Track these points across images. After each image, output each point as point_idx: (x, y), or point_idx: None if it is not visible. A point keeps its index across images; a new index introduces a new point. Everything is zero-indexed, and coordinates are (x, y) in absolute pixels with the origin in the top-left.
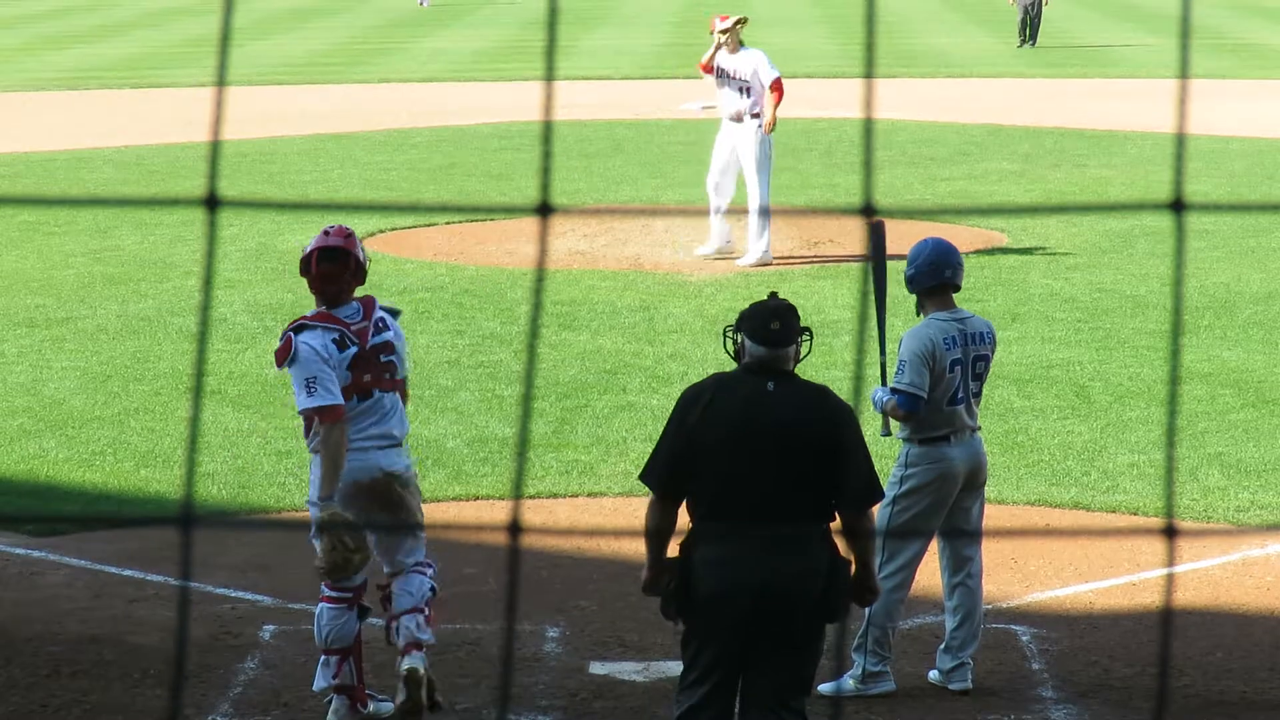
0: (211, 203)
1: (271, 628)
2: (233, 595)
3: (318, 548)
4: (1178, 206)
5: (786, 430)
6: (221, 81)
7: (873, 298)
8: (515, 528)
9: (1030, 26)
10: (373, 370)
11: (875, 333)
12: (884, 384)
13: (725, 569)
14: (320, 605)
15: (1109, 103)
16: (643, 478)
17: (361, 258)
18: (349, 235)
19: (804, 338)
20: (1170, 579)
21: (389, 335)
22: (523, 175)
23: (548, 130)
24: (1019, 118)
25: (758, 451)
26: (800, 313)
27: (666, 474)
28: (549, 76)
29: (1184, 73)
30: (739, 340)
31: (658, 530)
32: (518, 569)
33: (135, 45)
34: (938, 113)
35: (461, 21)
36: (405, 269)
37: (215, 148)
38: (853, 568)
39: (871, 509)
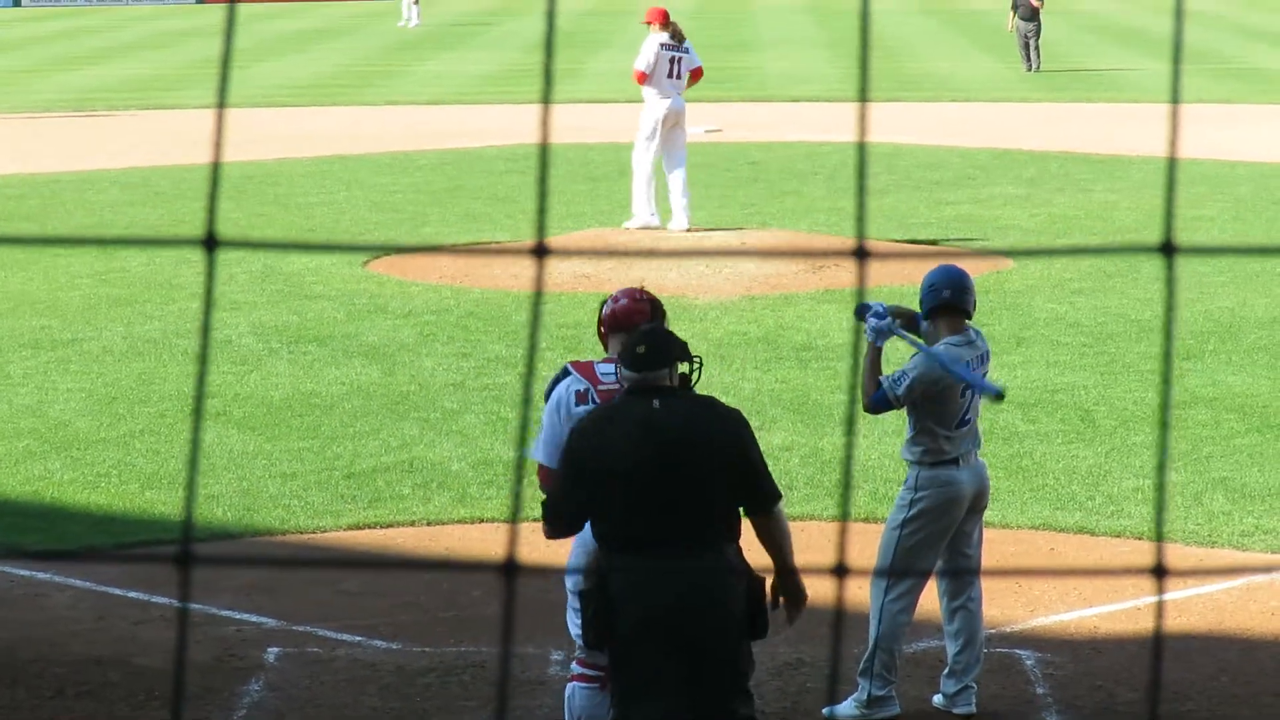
0: (210, 243)
1: (276, 650)
2: (237, 618)
3: (570, 629)
4: (1168, 250)
5: (681, 444)
6: (221, 104)
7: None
8: (511, 567)
9: (1031, 51)
10: None
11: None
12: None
13: (641, 594)
14: (572, 685)
15: (1114, 127)
16: (543, 516)
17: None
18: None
19: (694, 364)
20: (1160, 611)
21: None
22: (528, 198)
23: (543, 172)
24: (1024, 142)
25: (657, 470)
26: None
27: (560, 510)
28: (545, 128)
29: (1174, 132)
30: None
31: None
32: (513, 607)
33: (141, 67)
34: (942, 137)
35: (467, 44)
36: (411, 291)
37: (214, 188)
38: (772, 578)
39: (779, 508)
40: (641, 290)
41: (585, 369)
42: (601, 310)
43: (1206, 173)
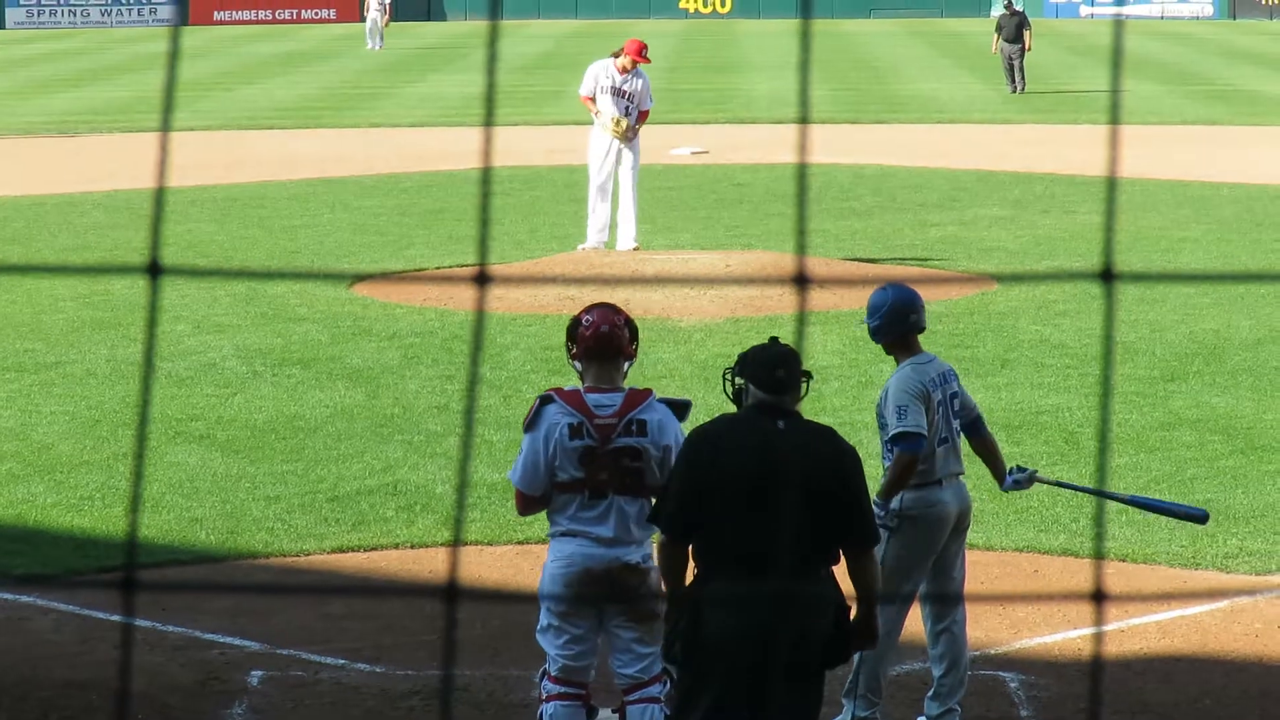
0: (154, 270)
1: (259, 674)
2: (221, 641)
3: (546, 647)
4: (1108, 276)
5: (795, 467)
6: (166, 128)
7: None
8: (452, 591)
9: (1016, 73)
10: (611, 471)
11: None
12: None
13: (735, 610)
14: (553, 705)
15: (1099, 149)
16: (652, 519)
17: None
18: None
19: (804, 380)
20: (1099, 639)
21: (643, 441)
22: (513, 220)
23: (485, 200)
24: (1009, 163)
25: (769, 491)
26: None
27: (678, 516)
28: (487, 164)
29: (1114, 151)
30: (740, 384)
31: (671, 571)
32: (453, 631)
33: (125, 89)
34: (928, 158)
35: (452, 66)
36: (395, 314)
37: (157, 217)
38: (853, 611)
39: (873, 550)
40: (617, 310)
41: (574, 399)
42: (574, 329)
43: (1191, 194)
